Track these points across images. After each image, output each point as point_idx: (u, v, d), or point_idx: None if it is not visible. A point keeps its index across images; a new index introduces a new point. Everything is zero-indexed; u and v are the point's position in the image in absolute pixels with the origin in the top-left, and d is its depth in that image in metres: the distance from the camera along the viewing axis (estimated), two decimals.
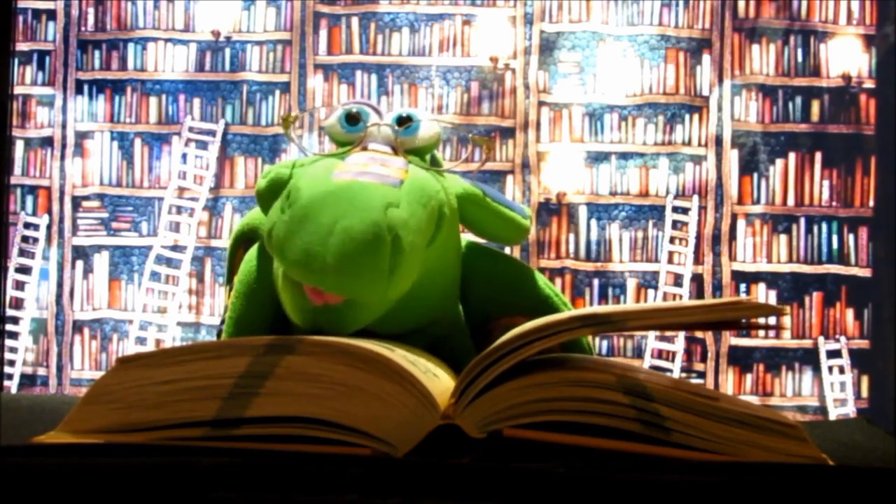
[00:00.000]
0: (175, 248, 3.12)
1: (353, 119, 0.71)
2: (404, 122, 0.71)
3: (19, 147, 3.16)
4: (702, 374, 3.08)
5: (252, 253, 0.74)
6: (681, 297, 3.04)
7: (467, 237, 0.77)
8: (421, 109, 0.71)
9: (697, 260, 3.10)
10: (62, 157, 3.17)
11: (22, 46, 3.15)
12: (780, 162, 3.14)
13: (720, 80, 3.14)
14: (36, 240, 3.13)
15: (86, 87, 3.19)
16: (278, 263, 0.65)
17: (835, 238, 3.11)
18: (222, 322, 0.76)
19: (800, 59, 3.15)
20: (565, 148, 3.14)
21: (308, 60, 3.18)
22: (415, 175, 0.67)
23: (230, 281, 0.78)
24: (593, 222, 3.13)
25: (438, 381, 0.60)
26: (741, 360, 3.10)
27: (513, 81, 3.15)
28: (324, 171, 0.66)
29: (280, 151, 3.17)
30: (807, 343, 3.09)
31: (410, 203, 0.65)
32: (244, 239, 0.78)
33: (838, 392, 3.04)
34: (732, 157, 3.13)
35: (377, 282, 0.62)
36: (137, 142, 3.18)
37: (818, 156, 3.13)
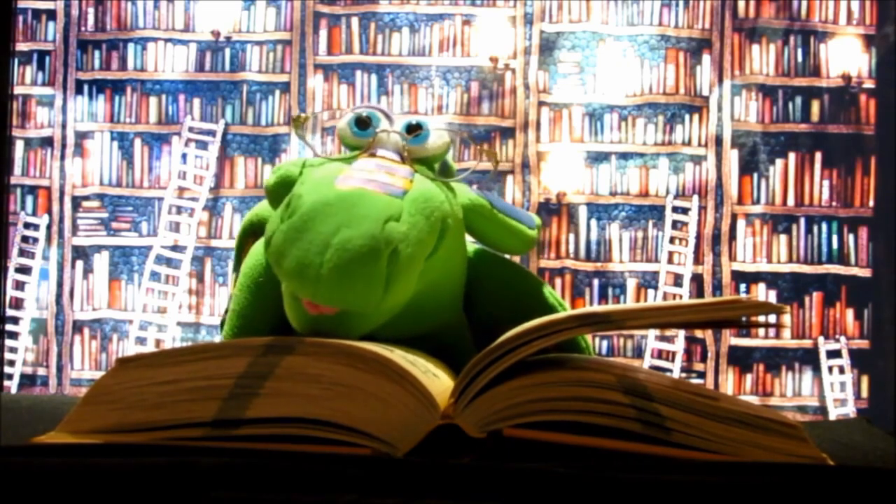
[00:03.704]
0: (175, 248, 3.12)
1: (362, 123, 0.71)
2: (414, 130, 0.71)
3: (19, 147, 3.16)
4: (702, 374, 3.08)
5: (258, 246, 0.74)
6: (681, 297, 3.04)
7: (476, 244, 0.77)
8: (431, 118, 0.71)
9: (697, 260, 3.10)
10: (62, 157, 3.17)
11: (22, 46, 3.15)
12: (780, 162, 3.14)
13: (720, 80, 3.14)
14: (36, 240, 3.13)
15: (86, 87, 3.19)
16: (277, 272, 0.65)
17: (835, 238, 3.11)
18: (226, 312, 0.75)
19: (800, 59, 3.15)
20: (565, 148, 3.14)
21: (308, 60, 3.18)
22: (420, 185, 0.67)
23: (237, 271, 0.78)
24: (593, 222, 3.13)
25: (438, 381, 0.60)
26: (741, 360, 3.10)
27: (513, 81, 3.15)
28: (328, 176, 0.66)
29: (280, 151, 3.17)
30: (807, 343, 3.09)
31: (412, 214, 0.64)
32: (252, 230, 0.78)
33: (838, 392, 3.04)
34: (732, 157, 3.13)
35: (371, 295, 0.62)
36: (137, 142, 3.18)
37: (818, 156, 3.13)
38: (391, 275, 0.62)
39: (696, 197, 3.11)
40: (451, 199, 0.70)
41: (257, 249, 0.74)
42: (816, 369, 3.07)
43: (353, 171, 0.66)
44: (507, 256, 0.79)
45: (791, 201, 3.12)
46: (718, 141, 3.13)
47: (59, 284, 3.15)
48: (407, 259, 0.63)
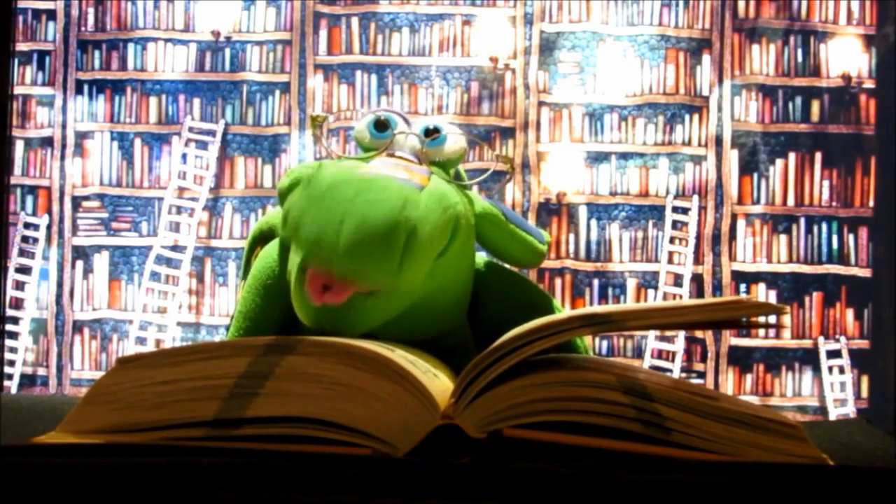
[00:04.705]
0: (175, 248, 3.12)
1: (381, 126, 0.72)
2: (431, 133, 0.72)
3: (19, 147, 3.16)
4: (702, 374, 3.08)
5: (268, 250, 0.74)
6: (681, 297, 3.04)
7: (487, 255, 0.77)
8: (448, 123, 0.72)
9: (697, 260, 3.10)
10: (62, 157, 3.17)
11: (22, 46, 3.15)
12: (780, 162, 3.14)
13: (720, 80, 3.14)
14: (36, 240, 3.13)
15: (86, 87, 3.19)
16: (293, 245, 0.65)
17: (835, 238, 3.11)
18: (233, 318, 0.76)
19: (800, 59, 3.15)
20: (565, 148, 3.14)
21: (308, 60, 3.18)
22: (436, 183, 0.68)
23: (245, 277, 0.78)
24: (593, 222, 3.13)
25: (438, 381, 0.60)
26: (741, 360, 3.10)
27: (513, 81, 3.15)
28: (349, 166, 0.67)
29: (280, 151, 3.17)
30: (807, 343, 3.09)
31: (429, 205, 0.65)
32: (262, 237, 0.79)
33: (838, 392, 3.04)
34: (732, 157, 3.13)
35: (386, 270, 0.62)
36: (137, 142, 3.18)
37: (818, 156, 3.13)
38: (406, 254, 0.62)
39: (696, 197, 3.11)
40: (465, 202, 0.70)
41: (267, 253, 0.74)
42: (816, 369, 3.07)
43: (371, 167, 0.67)
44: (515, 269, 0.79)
45: (791, 201, 3.12)
46: (718, 141, 3.13)
47: (59, 284, 3.15)
48: (422, 242, 0.63)
